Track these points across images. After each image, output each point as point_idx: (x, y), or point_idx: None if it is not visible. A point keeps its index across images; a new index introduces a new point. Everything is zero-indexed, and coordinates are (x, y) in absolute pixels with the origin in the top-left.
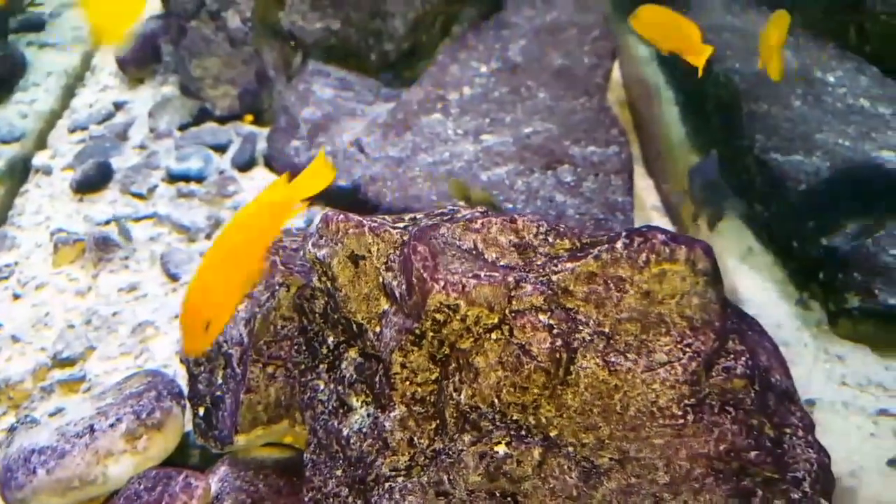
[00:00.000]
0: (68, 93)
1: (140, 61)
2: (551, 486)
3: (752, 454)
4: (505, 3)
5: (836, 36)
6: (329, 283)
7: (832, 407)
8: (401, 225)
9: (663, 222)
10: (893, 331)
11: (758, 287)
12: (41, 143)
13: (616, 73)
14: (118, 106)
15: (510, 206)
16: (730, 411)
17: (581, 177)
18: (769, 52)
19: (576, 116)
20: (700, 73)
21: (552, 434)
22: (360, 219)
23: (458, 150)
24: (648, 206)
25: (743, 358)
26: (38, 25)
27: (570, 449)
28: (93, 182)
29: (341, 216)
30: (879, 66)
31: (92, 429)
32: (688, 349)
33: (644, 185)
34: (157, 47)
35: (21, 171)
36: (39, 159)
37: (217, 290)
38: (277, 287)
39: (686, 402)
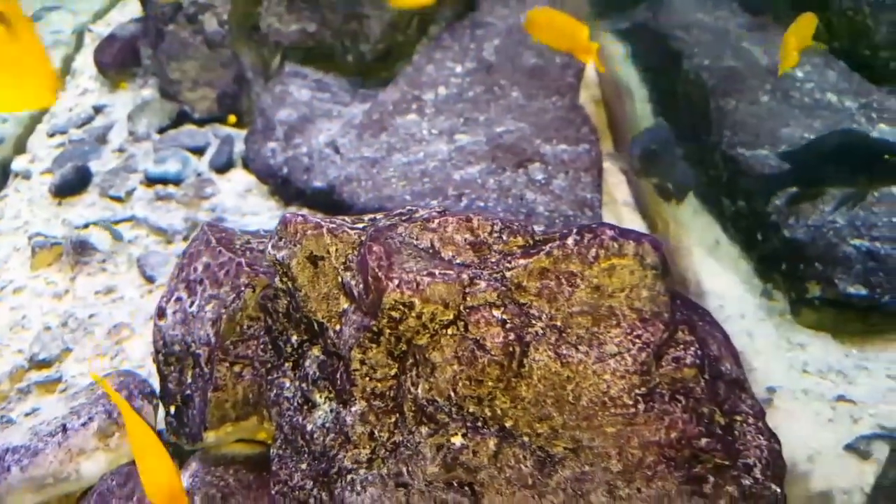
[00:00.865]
0: None
1: (120, 65)
2: (507, 475)
3: (703, 441)
4: (479, 3)
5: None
6: (290, 284)
7: (793, 394)
8: (359, 226)
9: (633, 217)
10: (853, 319)
11: (724, 279)
12: (20, 148)
13: (591, 72)
14: (98, 109)
15: (482, 204)
16: (680, 400)
17: (551, 175)
18: (787, 52)
19: (548, 115)
20: (600, 69)
21: (507, 425)
22: (319, 220)
23: (432, 149)
24: (620, 202)
25: (692, 348)
26: None
27: (525, 439)
28: (71, 186)
29: (300, 217)
30: (846, 61)
31: (64, 428)
32: (637, 340)
33: (616, 181)
34: (136, 50)
35: (0, 175)
36: (18, 164)
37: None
38: (243, 288)
39: (637, 391)
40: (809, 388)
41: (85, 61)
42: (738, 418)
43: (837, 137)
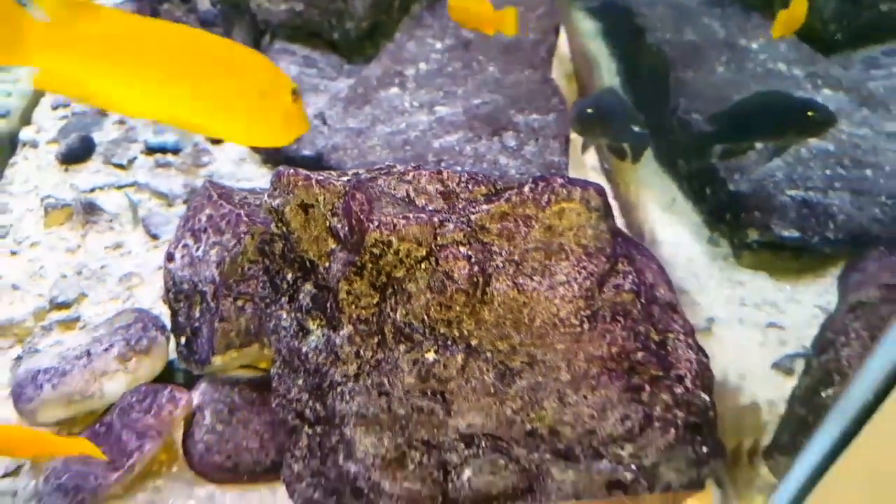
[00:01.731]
0: None
1: None
2: (473, 385)
3: (640, 355)
4: None
5: (762, 7)
6: (284, 228)
7: (729, 323)
8: (344, 178)
9: (598, 178)
10: (786, 259)
11: (676, 229)
12: (26, 119)
13: (564, 48)
14: None
15: (459, 168)
16: (620, 320)
17: (523, 141)
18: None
19: (521, 88)
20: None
21: (473, 343)
22: (308, 173)
23: (413, 120)
24: (588, 167)
25: (630, 276)
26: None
27: (488, 354)
28: (77, 154)
29: (291, 171)
30: (798, 33)
31: (89, 353)
32: (583, 271)
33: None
34: None
35: (9, 144)
36: (26, 134)
37: None
38: (243, 235)
39: (582, 313)
40: (745, 317)
41: None
42: (671, 335)
43: (764, 98)
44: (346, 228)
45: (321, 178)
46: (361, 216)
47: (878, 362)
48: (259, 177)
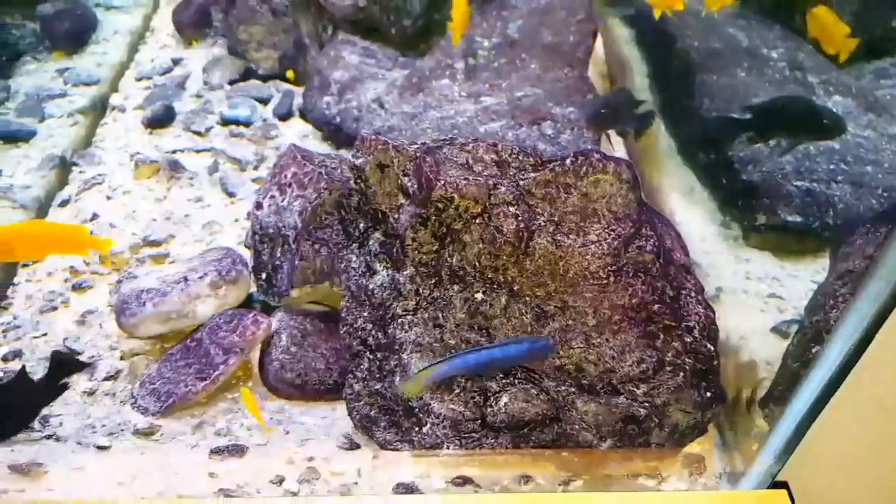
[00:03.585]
0: (132, 49)
1: (194, 25)
2: (513, 323)
3: (656, 307)
4: None
5: (785, 20)
6: (363, 184)
7: (735, 293)
8: (414, 146)
9: None
10: (790, 241)
11: (693, 213)
12: (114, 88)
13: (600, 51)
14: (175, 62)
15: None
16: (640, 276)
17: (560, 130)
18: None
19: (560, 84)
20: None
21: (515, 288)
22: (386, 139)
23: (461, 108)
24: (617, 155)
25: (652, 240)
26: None
27: (527, 298)
28: (160, 119)
29: (373, 136)
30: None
31: (186, 279)
32: (612, 232)
33: (614, 141)
34: (208, 14)
35: (100, 107)
36: (114, 100)
37: None
38: (323, 190)
39: (609, 268)
40: (749, 289)
41: (161, 20)
42: (684, 292)
43: (789, 101)
44: (416, 186)
45: (397, 143)
46: (430, 175)
47: (857, 316)
48: (319, 151)
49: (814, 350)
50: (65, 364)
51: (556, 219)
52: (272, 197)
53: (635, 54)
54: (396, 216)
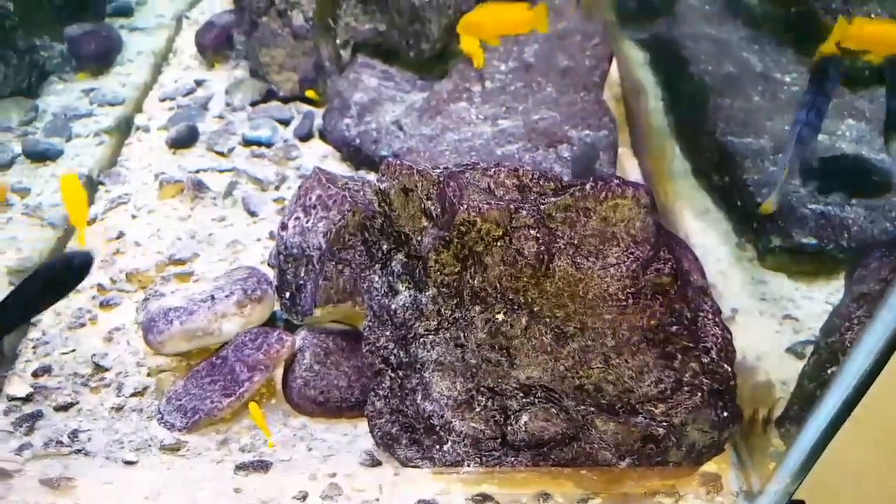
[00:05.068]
0: (156, 70)
1: (216, 47)
2: (533, 343)
3: (674, 328)
4: None
5: (797, 44)
6: (387, 207)
7: (750, 313)
8: (437, 170)
9: None
10: (805, 263)
11: (708, 235)
12: (138, 108)
13: (615, 74)
14: (198, 83)
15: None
16: (659, 298)
17: (576, 153)
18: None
19: (576, 107)
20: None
21: (535, 309)
22: (410, 163)
23: (478, 130)
24: (632, 178)
25: (670, 262)
26: (127, 11)
27: (547, 319)
28: (184, 140)
29: (398, 161)
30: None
31: (213, 297)
32: (631, 255)
33: (630, 164)
34: (230, 37)
35: (125, 128)
36: (139, 120)
37: None
38: (347, 212)
39: (628, 290)
40: (764, 310)
41: (184, 42)
42: (701, 314)
43: (848, 160)
44: (439, 209)
45: (420, 168)
46: (454, 199)
47: (872, 338)
48: (338, 171)
49: (829, 371)
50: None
51: (575, 242)
52: (297, 218)
53: (650, 77)
54: (419, 238)
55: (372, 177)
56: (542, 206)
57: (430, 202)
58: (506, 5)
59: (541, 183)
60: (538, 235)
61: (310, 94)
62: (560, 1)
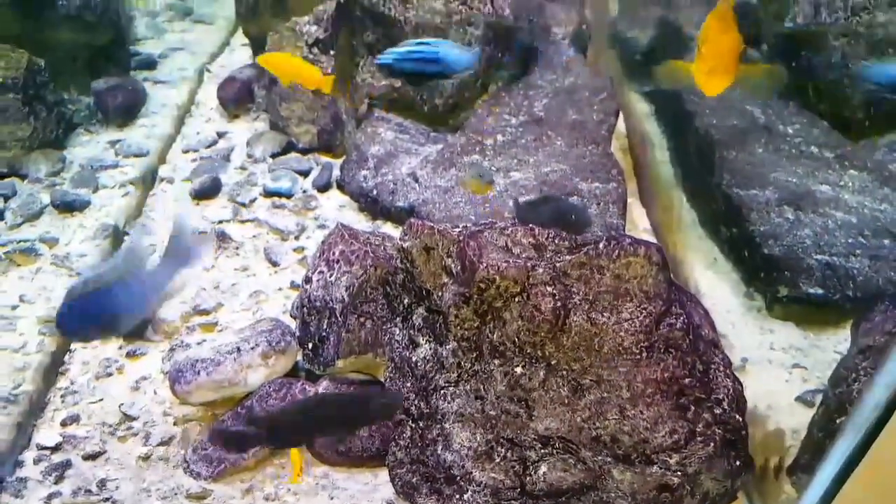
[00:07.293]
0: (179, 122)
1: (237, 100)
2: (551, 395)
3: (687, 381)
4: (532, 68)
5: (798, 94)
6: (408, 264)
7: (760, 363)
8: (456, 230)
9: (650, 239)
10: (811, 312)
11: (717, 285)
12: (162, 160)
13: (622, 126)
14: (220, 135)
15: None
16: (672, 352)
17: (586, 205)
18: None
19: (585, 160)
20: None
21: (552, 362)
22: (432, 224)
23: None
24: (641, 228)
25: (681, 317)
26: (150, 64)
27: (564, 372)
28: (207, 191)
29: (419, 222)
30: (830, 120)
31: (238, 349)
32: (644, 311)
33: (638, 213)
34: (251, 90)
35: (150, 179)
36: (163, 171)
37: None
38: (369, 267)
39: (642, 344)
40: (773, 359)
41: (206, 95)
42: (713, 366)
43: None
44: (459, 267)
45: (441, 228)
46: (474, 258)
47: (879, 390)
48: (356, 221)
49: (838, 421)
50: None
51: (590, 298)
52: (321, 272)
53: (656, 129)
54: (440, 294)
55: (389, 227)
56: (557, 264)
57: (450, 260)
58: (305, 63)
59: (556, 241)
60: (554, 292)
61: (326, 155)
62: (568, 57)
